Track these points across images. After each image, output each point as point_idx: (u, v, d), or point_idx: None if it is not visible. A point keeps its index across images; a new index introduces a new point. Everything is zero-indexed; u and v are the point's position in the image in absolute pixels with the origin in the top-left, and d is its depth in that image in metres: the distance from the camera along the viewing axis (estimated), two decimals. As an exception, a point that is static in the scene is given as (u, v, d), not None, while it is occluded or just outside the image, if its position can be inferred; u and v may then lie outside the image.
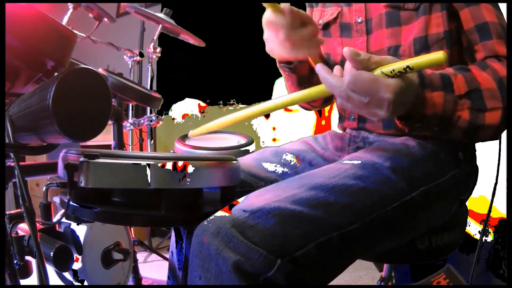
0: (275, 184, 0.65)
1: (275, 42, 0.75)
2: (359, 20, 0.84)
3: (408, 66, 0.56)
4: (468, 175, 0.79)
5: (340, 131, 0.96)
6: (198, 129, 0.84)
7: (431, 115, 0.64)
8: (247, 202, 0.58)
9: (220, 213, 0.57)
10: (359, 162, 0.68)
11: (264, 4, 0.71)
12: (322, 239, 0.56)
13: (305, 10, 0.85)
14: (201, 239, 0.54)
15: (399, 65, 0.57)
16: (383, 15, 0.80)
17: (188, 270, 0.57)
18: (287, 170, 0.87)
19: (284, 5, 0.71)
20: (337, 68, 0.62)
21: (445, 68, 0.69)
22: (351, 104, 0.60)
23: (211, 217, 0.57)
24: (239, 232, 0.52)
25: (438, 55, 0.54)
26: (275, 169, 0.86)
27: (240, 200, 0.61)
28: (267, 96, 2.24)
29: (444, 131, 0.68)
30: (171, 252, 0.83)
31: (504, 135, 0.77)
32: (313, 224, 0.56)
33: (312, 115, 2.19)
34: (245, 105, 2.42)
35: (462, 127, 0.66)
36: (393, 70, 0.57)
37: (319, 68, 0.62)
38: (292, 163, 0.88)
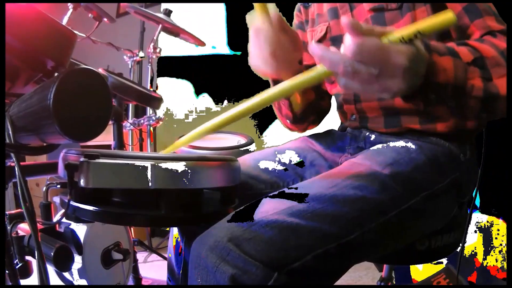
0: (272, 196, 0.64)
1: (259, 58, 0.74)
2: None
3: (418, 32, 0.49)
4: (469, 177, 0.79)
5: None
6: (183, 140, 0.73)
7: (444, 83, 0.58)
8: (244, 213, 0.58)
9: (217, 225, 0.57)
10: (358, 170, 0.68)
11: (254, 4, 0.71)
12: (319, 250, 0.55)
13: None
14: (199, 253, 0.55)
15: (408, 31, 0.50)
16: (369, 20, 0.81)
17: (186, 274, 0.57)
18: (287, 170, 0.86)
19: (270, 5, 0.71)
20: (332, 48, 0.55)
21: None
22: (359, 81, 0.53)
23: (208, 230, 0.57)
24: (235, 245, 0.52)
25: (448, 14, 0.49)
26: (275, 169, 0.86)
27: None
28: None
29: (460, 103, 0.61)
30: (169, 253, 0.84)
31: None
32: (311, 236, 0.56)
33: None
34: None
35: (479, 96, 0.60)
36: (403, 37, 0.50)
37: (315, 46, 0.53)
38: (293, 162, 0.88)
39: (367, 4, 0.81)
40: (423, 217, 0.69)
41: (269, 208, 0.58)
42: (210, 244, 0.54)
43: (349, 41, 0.51)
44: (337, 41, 0.88)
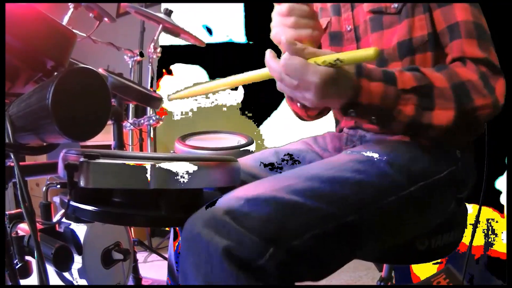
0: (272, 176, 0.65)
1: (281, 25, 0.73)
2: (349, 28, 0.85)
3: (338, 59, 0.58)
4: (466, 173, 0.79)
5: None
6: (177, 95, 0.79)
7: (366, 104, 0.65)
8: (242, 191, 0.58)
9: (213, 202, 0.56)
10: (357, 156, 0.69)
11: None
12: (318, 230, 0.55)
13: None
14: (192, 228, 0.53)
15: (330, 56, 0.59)
16: (367, 21, 0.81)
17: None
18: (287, 170, 0.87)
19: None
20: (286, 55, 0.63)
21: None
22: (284, 86, 0.64)
23: (202, 208, 0.56)
24: (232, 218, 0.52)
25: (369, 51, 0.55)
26: (275, 168, 0.87)
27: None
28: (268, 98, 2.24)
29: (382, 122, 0.69)
30: (170, 253, 0.84)
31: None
32: (309, 215, 0.56)
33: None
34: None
35: (403, 121, 0.67)
36: (324, 61, 0.60)
37: (267, 53, 0.65)
38: (292, 163, 0.89)
39: (367, 5, 0.81)
40: (422, 207, 0.70)
41: (268, 186, 0.59)
42: (205, 219, 0.53)
43: (282, 55, 0.62)
44: (335, 37, 0.88)
